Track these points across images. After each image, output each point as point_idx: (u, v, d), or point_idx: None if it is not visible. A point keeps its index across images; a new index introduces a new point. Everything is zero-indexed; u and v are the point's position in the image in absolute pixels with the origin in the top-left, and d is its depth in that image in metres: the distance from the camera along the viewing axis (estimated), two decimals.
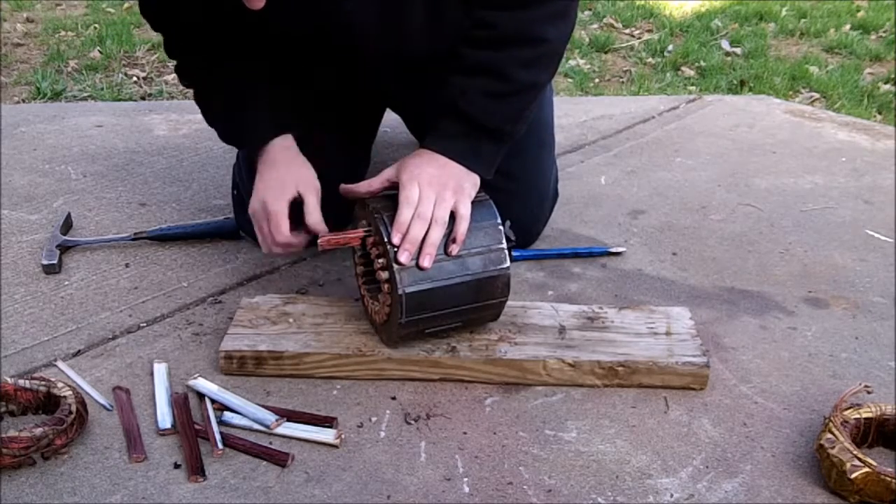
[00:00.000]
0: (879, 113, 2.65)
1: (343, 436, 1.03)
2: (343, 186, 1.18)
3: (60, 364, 1.14)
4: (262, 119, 1.28)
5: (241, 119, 1.29)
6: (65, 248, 1.43)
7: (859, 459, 0.94)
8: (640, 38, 3.29)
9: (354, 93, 1.42)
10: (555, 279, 1.41)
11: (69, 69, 2.73)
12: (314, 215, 1.20)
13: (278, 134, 1.26)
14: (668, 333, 1.19)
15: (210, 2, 1.17)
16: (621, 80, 2.88)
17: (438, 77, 1.19)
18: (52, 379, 1.06)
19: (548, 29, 1.17)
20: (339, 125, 1.41)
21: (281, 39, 1.26)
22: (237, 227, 1.49)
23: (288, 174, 1.22)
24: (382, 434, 1.05)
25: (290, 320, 1.19)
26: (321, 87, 1.38)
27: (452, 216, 1.10)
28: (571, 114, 2.17)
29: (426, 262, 1.07)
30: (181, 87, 2.61)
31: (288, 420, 1.05)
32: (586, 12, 3.59)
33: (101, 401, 1.08)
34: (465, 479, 0.98)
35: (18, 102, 2.46)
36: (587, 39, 3.21)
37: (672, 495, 0.97)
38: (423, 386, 1.13)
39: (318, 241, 1.15)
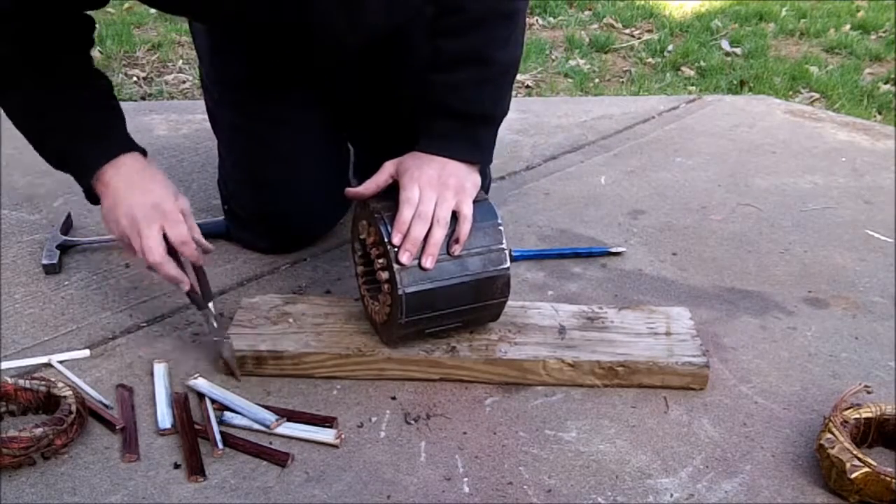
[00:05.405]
0: (879, 113, 2.65)
1: (343, 436, 1.03)
2: (349, 190, 1.18)
3: (55, 363, 1.14)
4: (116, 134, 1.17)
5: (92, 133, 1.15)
6: (65, 248, 1.43)
7: (859, 459, 0.94)
8: (640, 38, 3.29)
9: (318, 72, 1.41)
10: (555, 279, 1.41)
11: None
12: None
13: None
14: (667, 333, 1.19)
15: None
16: (621, 80, 2.88)
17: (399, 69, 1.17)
18: (52, 379, 1.06)
19: (514, 2, 1.17)
20: (315, 104, 1.41)
21: (236, 22, 1.22)
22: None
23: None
24: (382, 434, 1.05)
25: (290, 320, 1.19)
26: (285, 65, 1.36)
27: (453, 216, 1.10)
28: (571, 114, 2.17)
29: (428, 262, 1.07)
30: (181, 87, 2.61)
31: (288, 420, 1.05)
32: (586, 12, 3.59)
33: (100, 398, 1.08)
34: (465, 479, 0.98)
35: None
36: (587, 39, 3.21)
37: (672, 495, 0.97)
38: (423, 386, 1.13)
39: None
